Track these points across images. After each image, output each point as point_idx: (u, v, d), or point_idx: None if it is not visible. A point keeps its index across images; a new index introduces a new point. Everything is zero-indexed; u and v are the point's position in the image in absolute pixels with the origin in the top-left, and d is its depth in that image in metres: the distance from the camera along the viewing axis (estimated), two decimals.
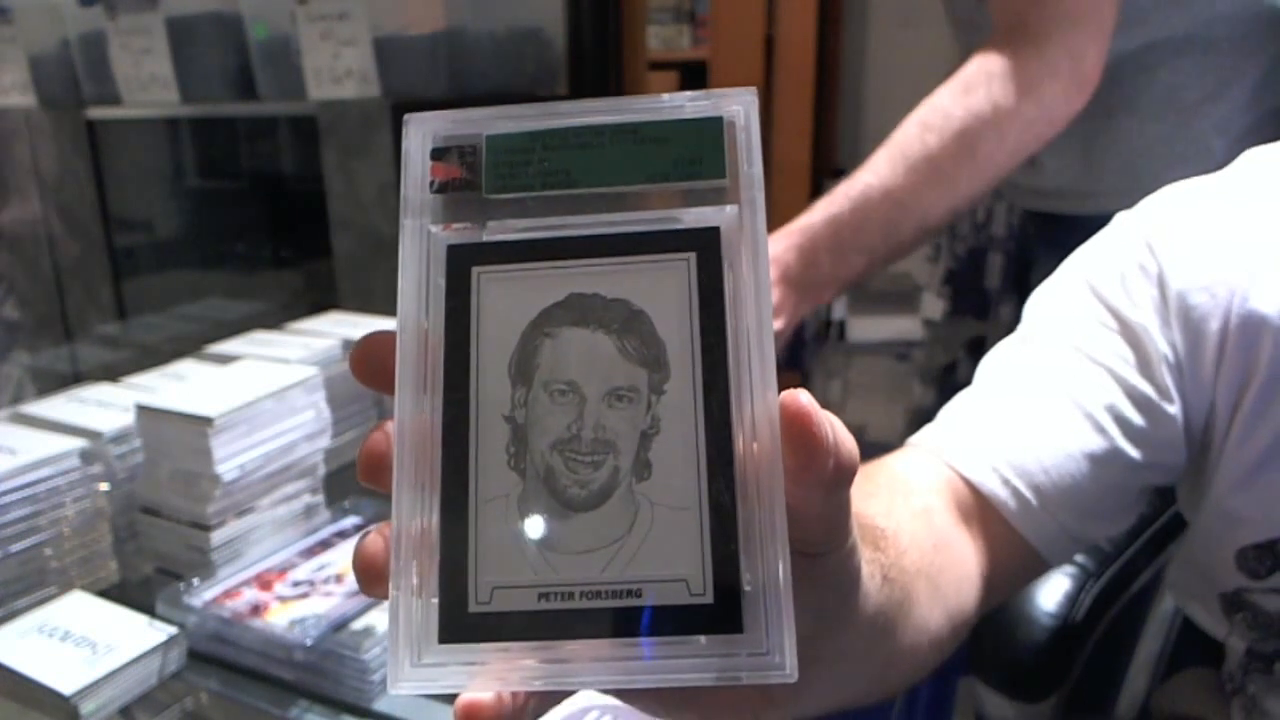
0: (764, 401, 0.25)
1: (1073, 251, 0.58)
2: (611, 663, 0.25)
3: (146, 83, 1.77)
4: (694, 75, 2.43)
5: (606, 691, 0.26)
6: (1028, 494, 0.51)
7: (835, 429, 0.25)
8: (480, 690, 0.24)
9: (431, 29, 1.55)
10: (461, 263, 0.28)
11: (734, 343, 0.26)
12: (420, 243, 0.28)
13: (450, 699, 0.25)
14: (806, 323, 1.76)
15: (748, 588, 0.25)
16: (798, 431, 0.25)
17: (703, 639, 0.24)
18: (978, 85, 0.82)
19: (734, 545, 0.25)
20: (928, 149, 0.81)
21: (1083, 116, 0.85)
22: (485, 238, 0.28)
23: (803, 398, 0.25)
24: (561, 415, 0.27)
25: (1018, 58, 0.81)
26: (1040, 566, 0.54)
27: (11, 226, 2.07)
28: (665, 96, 0.28)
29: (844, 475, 0.26)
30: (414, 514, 0.26)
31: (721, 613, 0.25)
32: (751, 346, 0.26)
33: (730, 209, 0.27)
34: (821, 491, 0.26)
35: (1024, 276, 1.56)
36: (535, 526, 0.26)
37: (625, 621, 0.25)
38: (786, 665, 0.24)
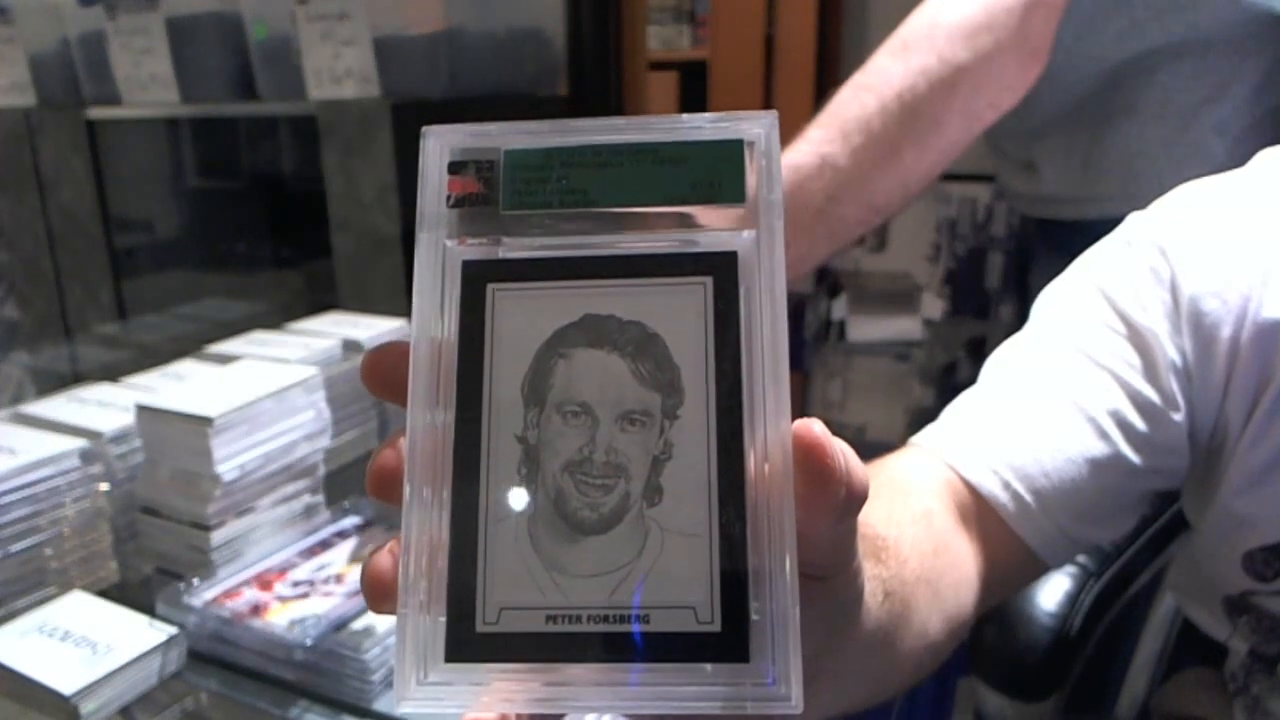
0: (777, 430, 0.25)
1: (1073, 253, 0.58)
2: (617, 688, 0.25)
3: (146, 83, 1.77)
4: (694, 75, 2.42)
5: None
6: (1027, 497, 0.50)
7: (848, 458, 0.25)
8: (485, 711, 0.24)
9: (431, 29, 1.55)
10: (477, 279, 0.28)
11: (748, 369, 0.26)
12: (436, 257, 0.28)
13: None
14: (807, 322, 1.76)
15: (755, 617, 0.24)
16: (811, 462, 0.25)
17: (709, 667, 0.24)
18: (920, 41, 0.74)
19: (743, 574, 0.25)
20: (865, 112, 0.73)
21: (1081, 122, 0.84)
22: (501, 254, 0.28)
23: (816, 428, 0.25)
24: (574, 437, 0.26)
25: (962, 12, 0.74)
26: (1039, 569, 0.54)
27: (11, 226, 2.07)
28: (685, 117, 0.28)
29: (854, 503, 0.26)
30: (424, 531, 0.26)
31: (728, 641, 0.24)
32: (766, 373, 0.26)
33: (748, 234, 0.27)
34: (832, 519, 0.26)
35: (1024, 277, 1.56)
36: (545, 548, 0.26)
37: (631, 647, 0.25)
38: (792, 697, 0.24)
